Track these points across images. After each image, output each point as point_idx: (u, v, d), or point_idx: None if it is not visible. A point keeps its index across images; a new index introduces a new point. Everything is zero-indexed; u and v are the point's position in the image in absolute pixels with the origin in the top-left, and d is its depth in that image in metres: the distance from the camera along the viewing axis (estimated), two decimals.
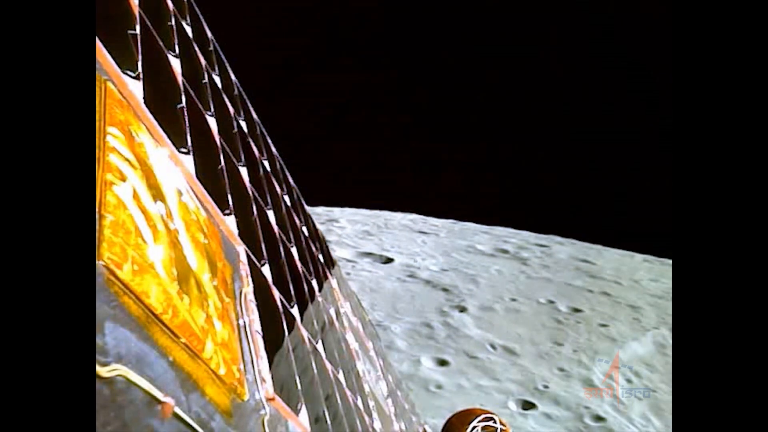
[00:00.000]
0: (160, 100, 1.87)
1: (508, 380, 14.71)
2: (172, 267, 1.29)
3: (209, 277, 1.55)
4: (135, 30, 1.91)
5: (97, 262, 0.98)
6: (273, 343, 1.98)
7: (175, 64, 2.35)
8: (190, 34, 3.09)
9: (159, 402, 1.00)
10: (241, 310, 1.73)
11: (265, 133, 4.94)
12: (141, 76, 1.70)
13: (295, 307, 2.78)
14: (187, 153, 1.92)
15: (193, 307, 1.32)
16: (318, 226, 6.69)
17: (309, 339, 2.81)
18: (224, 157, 2.57)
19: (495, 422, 2.08)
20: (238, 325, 1.64)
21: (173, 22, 2.67)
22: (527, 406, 13.77)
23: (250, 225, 2.59)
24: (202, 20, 3.71)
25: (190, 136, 2.05)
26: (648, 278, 23.38)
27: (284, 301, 2.54)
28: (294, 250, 3.71)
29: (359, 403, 3.64)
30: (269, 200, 3.51)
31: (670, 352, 17.10)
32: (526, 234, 28.28)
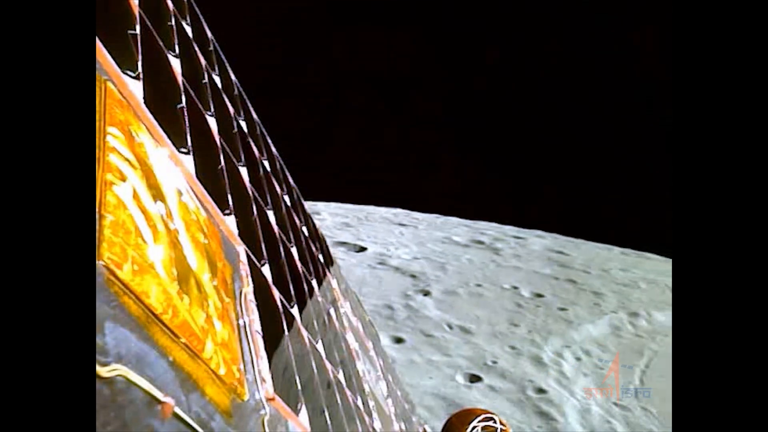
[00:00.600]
0: (160, 100, 1.87)
1: (459, 356, 14.75)
2: (172, 267, 1.29)
3: (209, 277, 1.55)
4: (135, 30, 1.91)
5: (97, 262, 0.98)
6: (273, 343, 1.98)
7: (175, 64, 2.35)
8: (190, 34, 3.09)
9: (159, 402, 1.00)
10: (241, 310, 1.73)
11: (265, 133, 4.94)
12: (141, 76, 1.70)
13: (295, 307, 2.78)
14: (187, 153, 1.92)
15: (193, 307, 1.32)
16: None
17: (309, 339, 2.81)
18: (224, 157, 2.57)
19: (495, 422, 2.08)
20: (238, 325, 1.64)
21: (173, 22, 2.67)
22: (474, 379, 13.86)
23: (250, 225, 2.59)
24: (202, 20, 3.71)
25: (190, 136, 2.05)
26: (618, 268, 23.10)
27: (284, 301, 2.54)
28: (294, 250, 3.71)
29: (359, 403, 3.64)
30: (269, 200, 3.51)
31: (624, 334, 17.12)
32: (507, 228, 27.95)
